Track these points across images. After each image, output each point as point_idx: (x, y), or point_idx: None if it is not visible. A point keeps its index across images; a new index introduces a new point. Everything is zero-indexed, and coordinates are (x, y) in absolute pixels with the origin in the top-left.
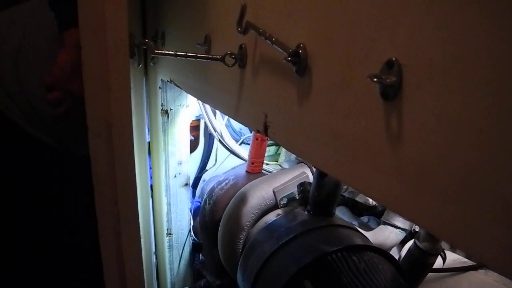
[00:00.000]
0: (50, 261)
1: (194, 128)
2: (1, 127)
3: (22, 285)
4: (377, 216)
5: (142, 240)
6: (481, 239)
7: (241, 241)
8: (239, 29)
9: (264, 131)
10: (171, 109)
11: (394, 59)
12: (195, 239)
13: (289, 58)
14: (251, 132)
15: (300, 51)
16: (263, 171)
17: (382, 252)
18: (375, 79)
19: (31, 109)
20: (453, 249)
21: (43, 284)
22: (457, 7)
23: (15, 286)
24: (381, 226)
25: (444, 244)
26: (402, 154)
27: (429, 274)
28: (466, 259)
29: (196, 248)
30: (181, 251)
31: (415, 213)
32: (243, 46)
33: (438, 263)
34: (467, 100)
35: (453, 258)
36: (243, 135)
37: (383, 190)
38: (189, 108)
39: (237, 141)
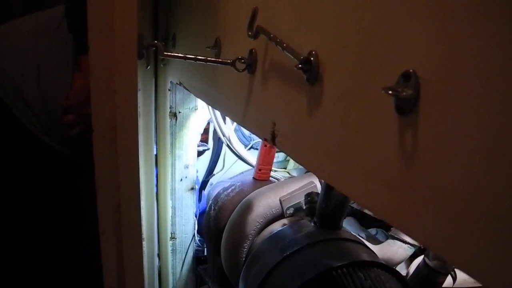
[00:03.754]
0: (47, 265)
1: (204, 131)
2: (23, 140)
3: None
4: (385, 228)
5: (145, 243)
6: (498, 269)
7: (244, 249)
8: (250, 33)
9: (272, 140)
10: (179, 112)
11: (411, 71)
12: (199, 245)
13: (300, 65)
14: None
15: (312, 59)
16: (270, 178)
17: (389, 269)
18: (390, 92)
19: (51, 122)
20: None
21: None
22: (481, 19)
23: (19, 285)
24: (389, 241)
25: None
26: (415, 173)
27: None
28: None
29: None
30: (184, 256)
31: (425, 236)
32: (253, 51)
33: (448, 282)
34: (489, 119)
35: (463, 277)
36: (252, 139)
37: (393, 210)
38: (198, 111)
39: (246, 145)
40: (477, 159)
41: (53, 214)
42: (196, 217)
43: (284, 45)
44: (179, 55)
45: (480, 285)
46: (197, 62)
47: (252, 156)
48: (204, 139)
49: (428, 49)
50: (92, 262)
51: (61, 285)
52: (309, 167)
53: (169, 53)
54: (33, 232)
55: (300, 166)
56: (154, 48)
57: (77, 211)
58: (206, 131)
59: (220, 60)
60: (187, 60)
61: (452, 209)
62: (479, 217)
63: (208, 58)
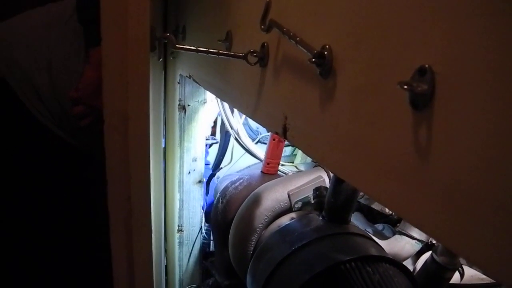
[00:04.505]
0: (57, 256)
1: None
2: (34, 132)
3: (34, 276)
4: (392, 224)
5: (153, 235)
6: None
7: (252, 243)
8: (263, 26)
9: (283, 134)
10: (188, 105)
11: (427, 66)
12: (206, 237)
13: (313, 60)
14: (268, 132)
15: (325, 53)
16: (278, 172)
17: (397, 264)
18: (405, 87)
19: (63, 114)
20: (471, 265)
21: (53, 278)
22: (499, 14)
23: (29, 275)
24: (397, 236)
25: (462, 259)
26: (428, 167)
27: None
28: (484, 276)
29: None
30: (191, 248)
31: (438, 230)
32: (265, 44)
33: (455, 278)
34: (504, 115)
35: (471, 273)
36: (259, 134)
37: (406, 204)
38: (207, 104)
39: (253, 140)
40: (492, 155)
41: (63, 205)
42: (203, 210)
43: (298, 39)
44: (191, 47)
45: (487, 282)
46: (209, 55)
47: (260, 150)
48: (212, 132)
49: (444, 44)
50: (101, 252)
51: (70, 275)
52: (320, 161)
53: (181, 46)
54: (42, 224)
55: (308, 161)
56: (165, 41)
57: (86, 202)
58: (213, 124)
59: (232, 53)
60: (197, 53)
61: (465, 204)
62: (492, 212)
63: (220, 51)
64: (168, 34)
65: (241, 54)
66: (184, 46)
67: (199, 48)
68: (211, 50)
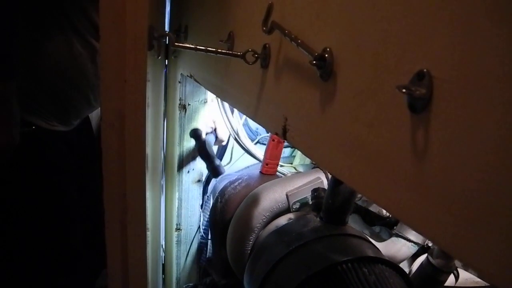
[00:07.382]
0: (51, 252)
1: None
2: None
3: (23, 273)
4: (389, 226)
5: (149, 233)
6: (507, 269)
7: (250, 242)
8: (264, 28)
9: (283, 135)
10: (189, 104)
11: (425, 70)
12: (203, 236)
13: (314, 62)
14: (267, 132)
15: (326, 55)
16: (277, 173)
17: (393, 266)
18: (403, 90)
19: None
20: (466, 268)
21: (43, 273)
22: (497, 22)
23: (19, 273)
24: (393, 238)
25: (457, 262)
26: (426, 170)
27: None
28: (479, 279)
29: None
30: (188, 247)
31: (434, 233)
32: (267, 46)
33: (450, 281)
34: (502, 120)
35: (465, 276)
36: (259, 134)
37: (404, 207)
38: (207, 104)
39: (252, 140)
40: (490, 158)
41: (43, 195)
42: (201, 209)
43: (299, 41)
44: (190, 46)
45: (483, 285)
46: (208, 54)
47: (259, 151)
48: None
49: (443, 49)
50: (97, 248)
51: (66, 271)
52: (320, 162)
53: (180, 44)
54: (36, 220)
55: (307, 162)
56: (165, 40)
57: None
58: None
59: (230, 52)
60: (198, 53)
61: (462, 207)
62: (489, 216)
63: (219, 50)
64: (167, 32)
65: (239, 53)
66: (183, 44)
67: (197, 46)
68: (209, 49)
